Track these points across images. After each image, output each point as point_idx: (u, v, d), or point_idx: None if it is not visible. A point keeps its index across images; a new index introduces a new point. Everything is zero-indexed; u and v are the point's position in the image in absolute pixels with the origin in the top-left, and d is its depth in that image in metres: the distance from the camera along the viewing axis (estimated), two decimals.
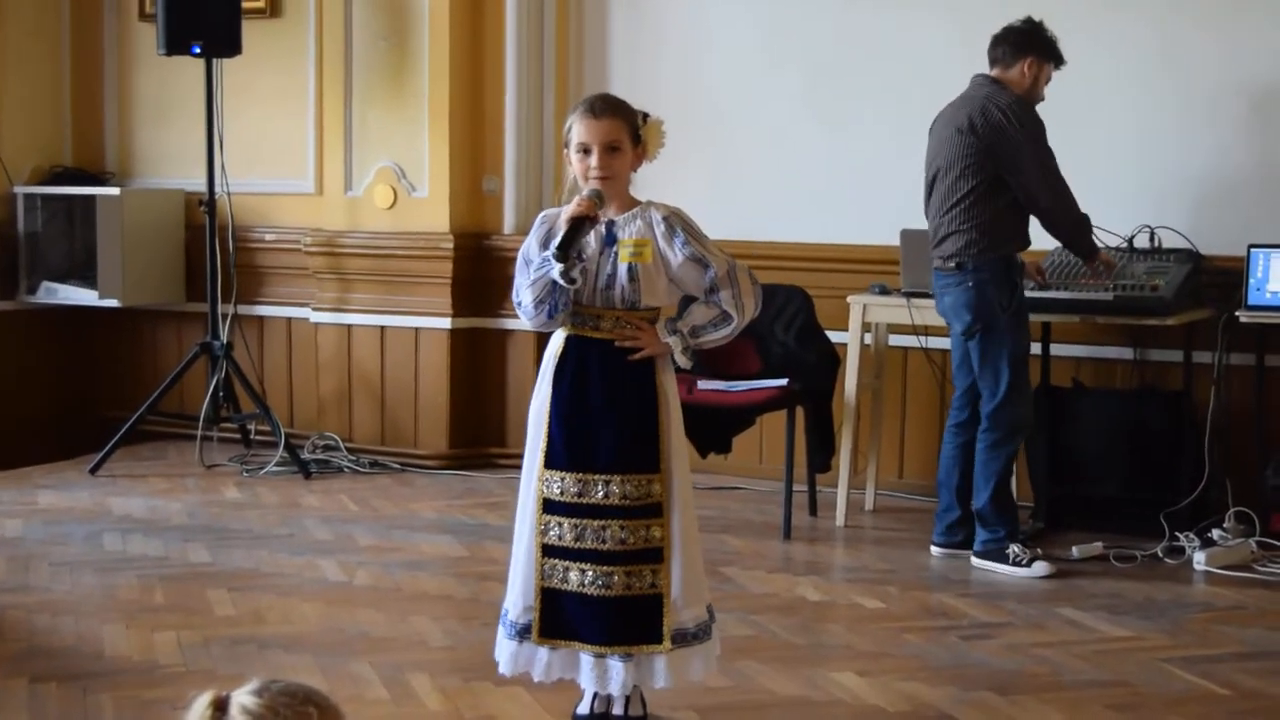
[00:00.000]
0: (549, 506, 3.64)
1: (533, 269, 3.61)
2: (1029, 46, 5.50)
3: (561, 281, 3.54)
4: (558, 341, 3.69)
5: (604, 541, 3.59)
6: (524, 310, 3.65)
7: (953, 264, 5.45)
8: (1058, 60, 5.55)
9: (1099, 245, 5.68)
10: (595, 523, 3.60)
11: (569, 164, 3.68)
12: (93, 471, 6.99)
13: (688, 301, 3.75)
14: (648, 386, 3.65)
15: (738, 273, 3.66)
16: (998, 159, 5.38)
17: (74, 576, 5.25)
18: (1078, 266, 5.78)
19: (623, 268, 3.60)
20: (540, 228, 3.66)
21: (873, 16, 6.67)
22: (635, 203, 3.68)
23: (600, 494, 3.60)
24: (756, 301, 3.70)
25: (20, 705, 3.97)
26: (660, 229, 3.63)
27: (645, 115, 3.68)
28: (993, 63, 5.53)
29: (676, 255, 3.62)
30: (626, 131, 3.63)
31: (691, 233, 3.64)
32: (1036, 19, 5.53)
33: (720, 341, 3.72)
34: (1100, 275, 5.69)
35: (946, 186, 5.47)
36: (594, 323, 3.65)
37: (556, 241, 3.51)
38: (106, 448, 7.09)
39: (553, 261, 3.52)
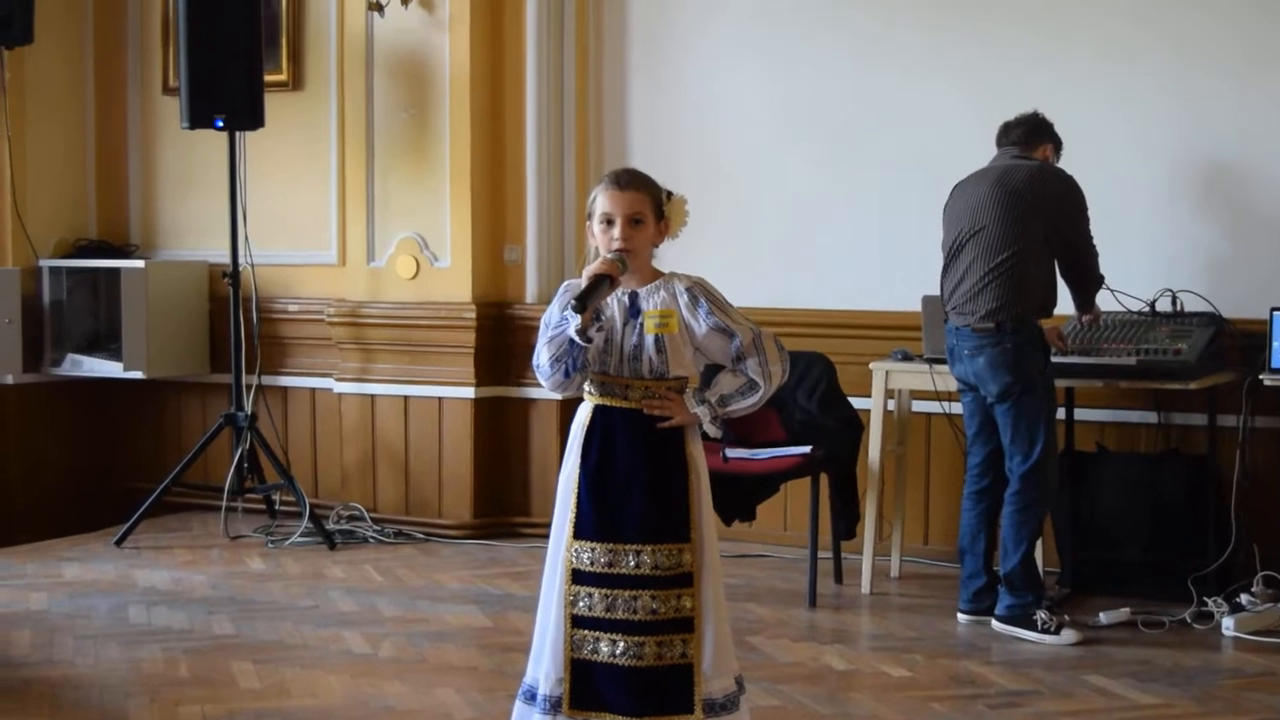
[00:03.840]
0: (578, 577, 3.63)
1: (551, 328, 3.63)
2: (1048, 134, 5.71)
3: (577, 339, 3.55)
4: (585, 411, 3.70)
5: (635, 612, 3.58)
6: (541, 371, 3.66)
7: (990, 324, 5.44)
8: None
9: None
10: (626, 593, 3.59)
11: (592, 236, 3.70)
12: (118, 544, 7.00)
13: (713, 370, 3.76)
14: (677, 455, 3.66)
15: (764, 340, 3.67)
16: (1051, 221, 5.46)
17: (98, 650, 5.25)
18: (1099, 332, 5.81)
19: (649, 338, 3.61)
20: (564, 296, 3.67)
21: (891, 84, 6.70)
22: (658, 274, 3.70)
23: (631, 564, 3.60)
24: (784, 368, 3.71)
25: None
26: (684, 299, 3.64)
27: (669, 193, 3.71)
28: (1011, 144, 5.63)
29: (701, 325, 3.63)
30: (650, 205, 3.65)
31: (715, 302, 3.66)
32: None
33: (749, 410, 3.72)
34: (1087, 326, 5.82)
35: (986, 246, 5.46)
36: (622, 392, 3.65)
37: (576, 294, 3.53)
38: (131, 520, 7.09)
39: (571, 318, 3.53)
